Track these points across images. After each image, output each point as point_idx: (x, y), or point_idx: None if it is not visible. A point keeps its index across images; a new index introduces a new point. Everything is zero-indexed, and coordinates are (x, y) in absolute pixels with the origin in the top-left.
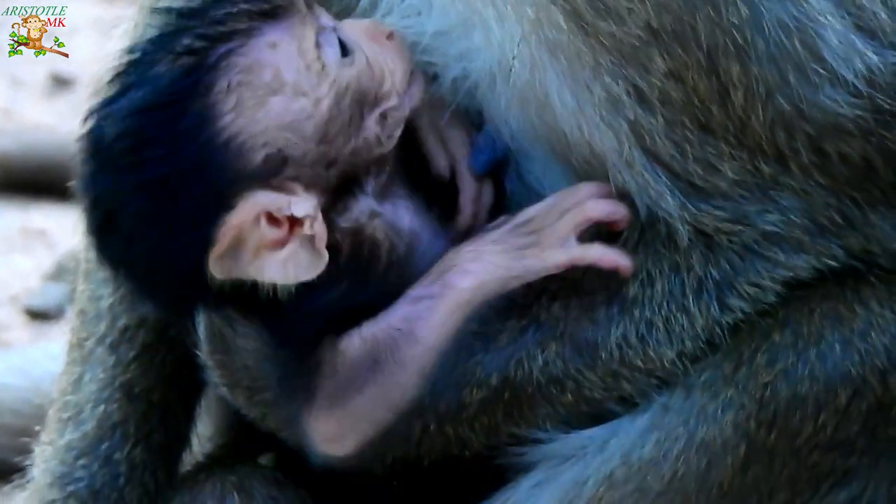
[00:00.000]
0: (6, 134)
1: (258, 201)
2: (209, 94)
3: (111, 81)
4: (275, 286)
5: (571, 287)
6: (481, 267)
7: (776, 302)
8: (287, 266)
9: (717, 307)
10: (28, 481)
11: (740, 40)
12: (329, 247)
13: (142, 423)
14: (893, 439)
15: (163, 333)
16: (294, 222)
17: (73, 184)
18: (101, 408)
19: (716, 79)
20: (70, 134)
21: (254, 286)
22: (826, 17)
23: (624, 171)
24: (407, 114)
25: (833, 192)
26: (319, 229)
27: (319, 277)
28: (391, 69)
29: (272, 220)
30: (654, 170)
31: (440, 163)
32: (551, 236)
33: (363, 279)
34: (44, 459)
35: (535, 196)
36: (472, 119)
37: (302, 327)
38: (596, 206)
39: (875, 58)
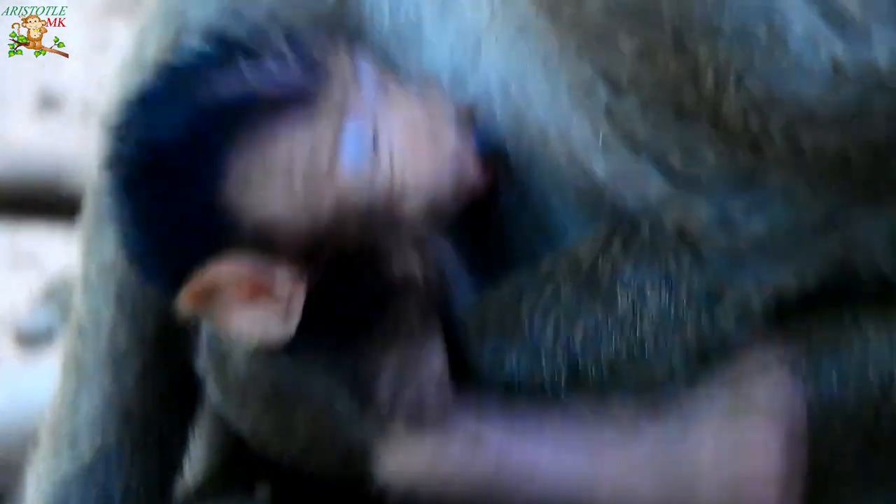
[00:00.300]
0: None
1: (240, 263)
2: (219, 155)
3: (131, 103)
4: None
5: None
6: None
7: (769, 325)
8: (253, 325)
9: (707, 319)
10: None
11: (706, 20)
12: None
13: (138, 447)
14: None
15: (164, 352)
16: (270, 289)
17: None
18: (98, 431)
19: (685, 58)
20: (59, 154)
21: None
22: (792, 3)
23: (603, 155)
24: (417, 236)
25: (812, 187)
26: (295, 301)
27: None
28: (415, 185)
29: (251, 282)
30: (634, 149)
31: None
32: None
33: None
34: (36, 484)
35: (528, 193)
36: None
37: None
38: None
39: (842, 46)
